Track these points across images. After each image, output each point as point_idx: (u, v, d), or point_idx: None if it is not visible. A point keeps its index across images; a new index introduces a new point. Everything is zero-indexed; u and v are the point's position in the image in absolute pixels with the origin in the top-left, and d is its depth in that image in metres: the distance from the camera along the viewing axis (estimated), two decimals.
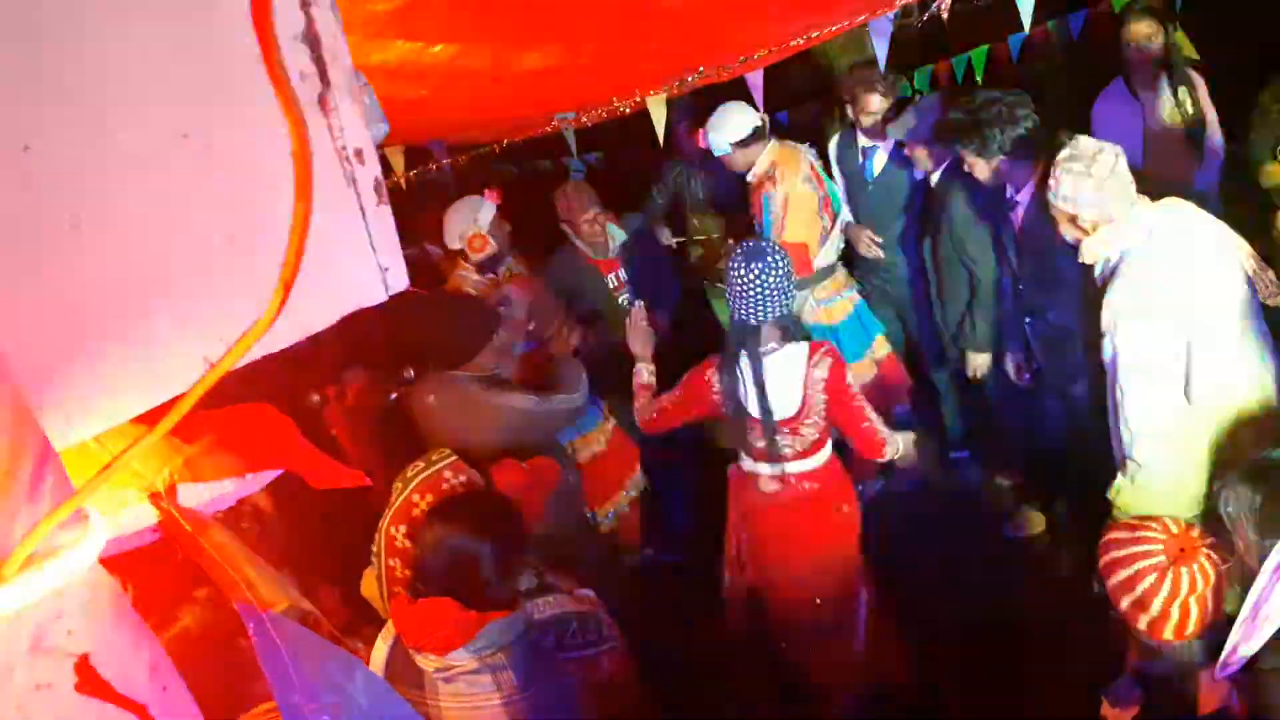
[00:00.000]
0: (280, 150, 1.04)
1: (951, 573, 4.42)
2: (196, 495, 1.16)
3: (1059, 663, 3.61)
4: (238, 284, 1.04)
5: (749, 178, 4.39)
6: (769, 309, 3.08)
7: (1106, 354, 2.98)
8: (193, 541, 1.08)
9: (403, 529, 2.49)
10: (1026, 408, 4.33)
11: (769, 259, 3.04)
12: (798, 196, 4.29)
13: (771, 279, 3.04)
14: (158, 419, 1.05)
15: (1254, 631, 1.96)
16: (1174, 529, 2.11)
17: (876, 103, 4.17)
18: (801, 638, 3.64)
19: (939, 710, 3.84)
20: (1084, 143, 2.93)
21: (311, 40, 1.06)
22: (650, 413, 3.43)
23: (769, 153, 4.32)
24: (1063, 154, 2.94)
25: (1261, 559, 2.00)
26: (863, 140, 4.42)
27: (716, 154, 4.32)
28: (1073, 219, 2.95)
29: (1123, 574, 2.12)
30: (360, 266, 1.13)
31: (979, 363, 4.21)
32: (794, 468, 3.34)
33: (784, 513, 3.41)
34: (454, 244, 4.03)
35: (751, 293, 3.05)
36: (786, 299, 3.10)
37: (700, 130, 4.27)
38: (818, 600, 3.52)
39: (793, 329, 3.21)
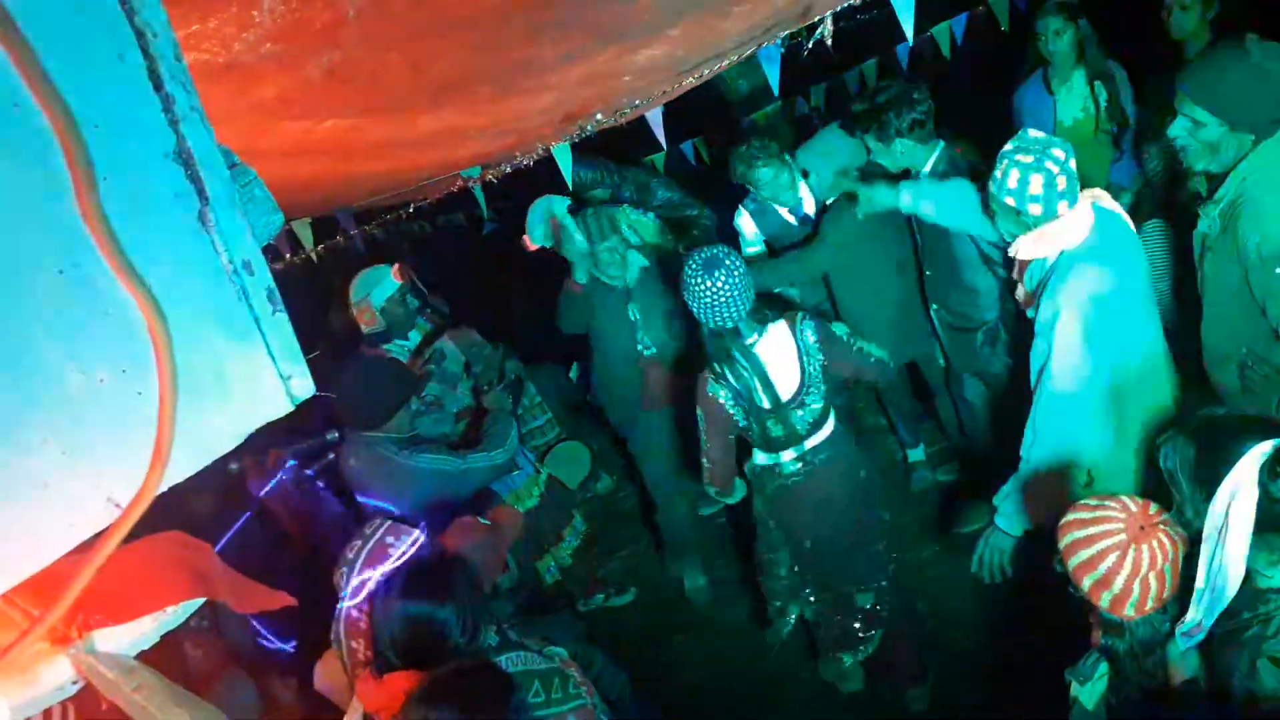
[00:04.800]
0: (165, 276, 1.01)
1: (910, 573, 4.49)
2: (116, 639, 1.11)
3: (1022, 649, 3.66)
4: (133, 417, 1.00)
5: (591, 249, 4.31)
6: (741, 308, 3.10)
7: (1039, 352, 2.98)
8: (116, 690, 1.03)
9: (364, 608, 2.44)
10: (950, 400, 4.42)
11: (726, 263, 3.05)
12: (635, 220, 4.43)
13: (736, 277, 3.05)
14: (68, 566, 1.01)
15: (1215, 601, 2.01)
16: (1133, 507, 2.14)
17: (774, 169, 4.11)
18: (841, 609, 3.68)
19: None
20: (1033, 134, 2.90)
21: (184, 157, 1.03)
22: (710, 478, 3.47)
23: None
24: (1010, 145, 2.90)
25: (1194, 511, 2.06)
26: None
27: (547, 245, 4.36)
28: (1017, 213, 2.92)
29: (1085, 554, 2.15)
30: (261, 379, 1.10)
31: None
32: (810, 443, 3.36)
33: (811, 490, 3.42)
34: (354, 312, 4.02)
35: (721, 300, 3.06)
36: (752, 290, 3.12)
37: (525, 238, 4.36)
38: (856, 572, 3.58)
39: (762, 311, 3.23)
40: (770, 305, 3.32)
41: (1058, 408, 2.95)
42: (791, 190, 4.20)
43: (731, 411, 3.24)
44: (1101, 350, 2.91)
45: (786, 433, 3.29)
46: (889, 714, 3.92)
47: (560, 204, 4.28)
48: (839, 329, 3.34)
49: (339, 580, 2.49)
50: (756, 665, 4.33)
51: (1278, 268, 2.59)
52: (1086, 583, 2.17)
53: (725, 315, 3.09)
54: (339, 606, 2.47)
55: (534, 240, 4.38)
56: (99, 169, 0.94)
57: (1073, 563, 2.18)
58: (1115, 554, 2.11)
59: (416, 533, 2.57)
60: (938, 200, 3.48)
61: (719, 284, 3.03)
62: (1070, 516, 2.21)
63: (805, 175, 4.18)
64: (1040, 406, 2.99)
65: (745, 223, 4.44)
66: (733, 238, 4.62)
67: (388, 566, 2.47)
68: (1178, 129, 2.69)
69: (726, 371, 3.19)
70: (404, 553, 2.50)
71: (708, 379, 3.25)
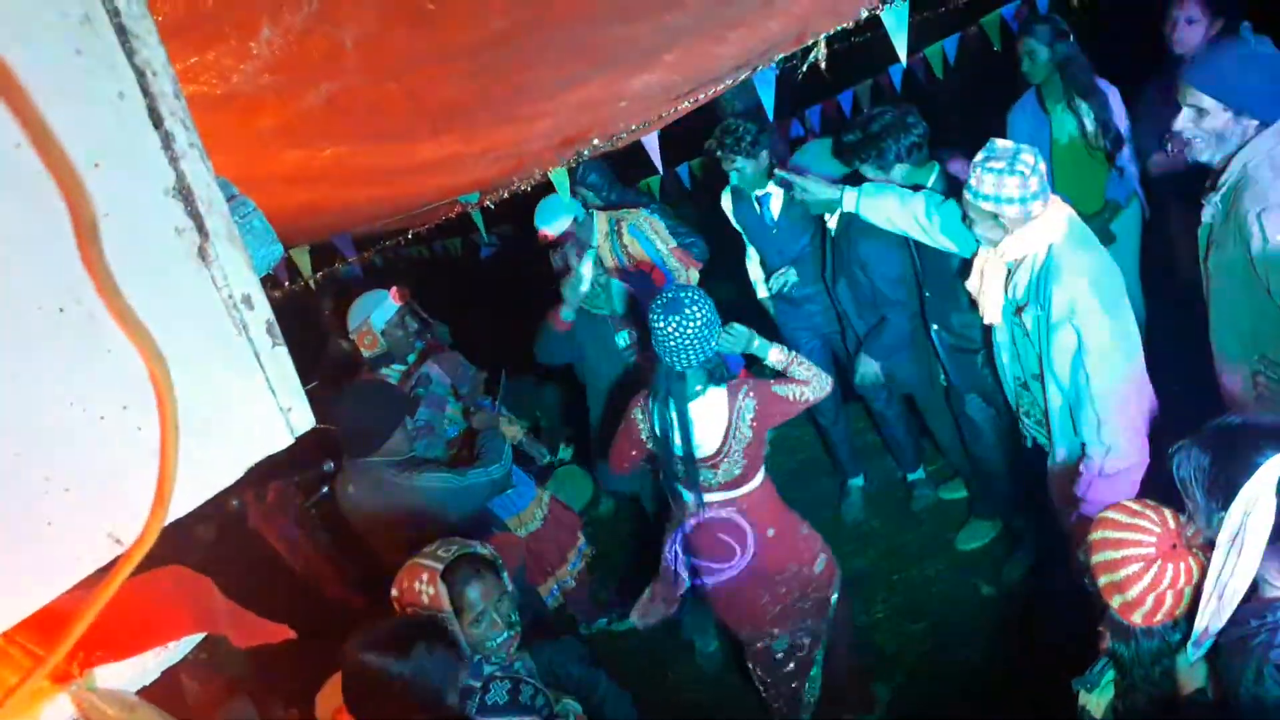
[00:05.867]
0: (166, 311, 1.01)
1: (913, 591, 4.48)
2: (118, 675, 1.11)
3: (1026, 665, 3.64)
4: (134, 453, 1.00)
5: (596, 241, 4.51)
6: (691, 356, 3.15)
7: (1063, 346, 3.00)
8: None
9: None
10: (955, 419, 4.41)
11: (686, 310, 3.09)
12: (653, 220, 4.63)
13: (691, 328, 3.09)
14: (69, 603, 1.01)
15: (1221, 608, 2.00)
16: (1171, 524, 2.12)
17: (740, 163, 4.24)
18: (768, 663, 3.69)
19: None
20: (1001, 144, 2.99)
21: (184, 193, 1.04)
22: (611, 464, 3.56)
23: (601, 217, 4.60)
24: (981, 155, 2.99)
25: (1208, 521, 2.05)
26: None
27: (558, 233, 4.44)
28: (995, 217, 2.99)
29: (1110, 555, 2.14)
30: (261, 413, 1.10)
31: (864, 369, 4.29)
32: (715, 497, 3.40)
33: (707, 533, 3.47)
34: (353, 336, 4.03)
35: (672, 343, 3.13)
36: (708, 345, 3.16)
37: (543, 231, 4.42)
38: (767, 619, 3.57)
39: (718, 371, 3.26)
40: (721, 368, 3.31)
41: (1119, 386, 2.97)
42: (758, 185, 4.35)
43: (644, 439, 3.36)
44: (1120, 328, 2.97)
45: (692, 481, 3.35)
46: None
47: (576, 207, 4.37)
48: (782, 389, 3.30)
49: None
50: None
51: (1275, 235, 2.61)
52: (1103, 581, 2.16)
53: (674, 358, 3.16)
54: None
55: (555, 230, 4.41)
56: (99, 207, 0.95)
57: (1096, 559, 2.17)
58: (1139, 564, 2.11)
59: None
60: (879, 200, 3.57)
61: (670, 328, 3.10)
62: (1109, 514, 2.20)
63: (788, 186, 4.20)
64: (1097, 393, 2.98)
65: (725, 203, 4.63)
66: (724, 269, 4.68)
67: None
68: (1184, 121, 2.75)
69: (655, 408, 3.26)
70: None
71: (639, 404, 3.35)
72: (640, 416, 3.34)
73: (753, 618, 3.60)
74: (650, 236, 4.59)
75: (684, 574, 3.64)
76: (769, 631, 3.61)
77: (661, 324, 3.12)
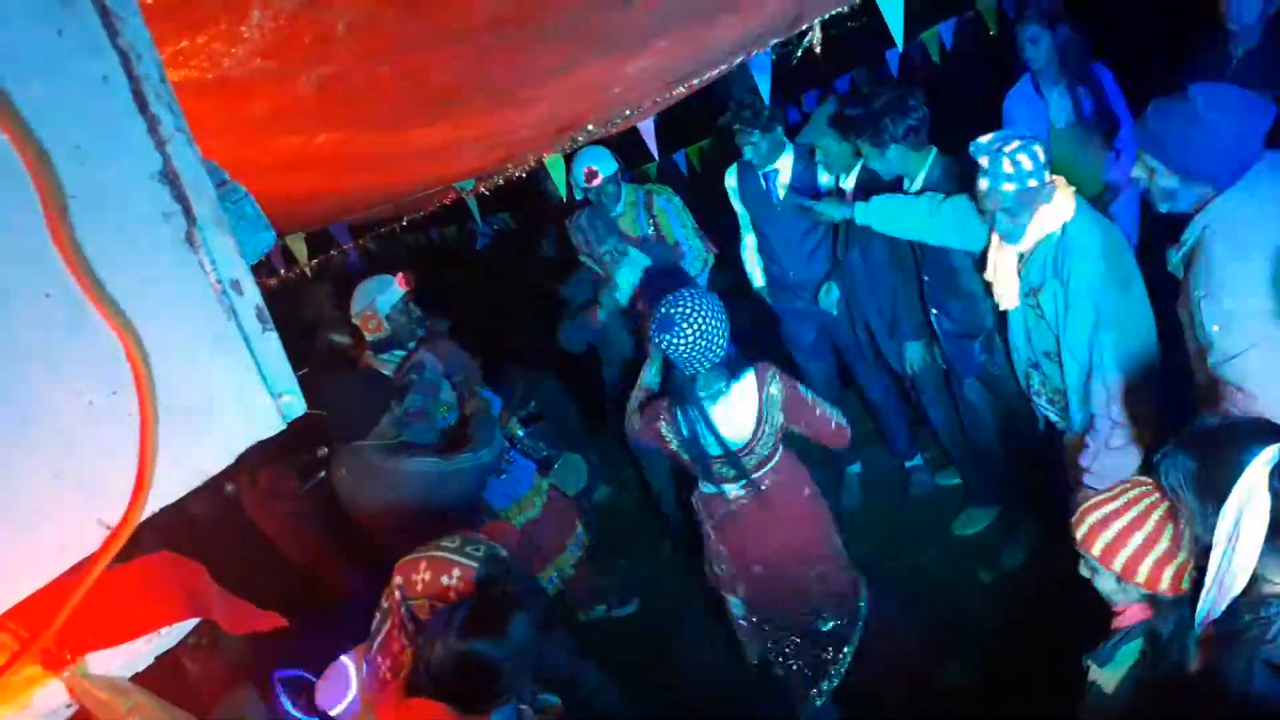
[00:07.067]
0: (154, 296, 1.00)
1: (911, 578, 4.48)
2: (110, 661, 1.11)
3: (1026, 648, 3.64)
4: (123, 439, 0.99)
5: (619, 208, 4.55)
6: (700, 361, 3.09)
7: (1081, 321, 3.01)
8: (109, 712, 1.03)
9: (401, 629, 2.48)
10: (953, 405, 4.40)
11: (678, 325, 3.03)
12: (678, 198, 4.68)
13: (687, 340, 3.04)
14: (60, 588, 1.00)
15: (1220, 596, 2.01)
16: (1147, 481, 2.16)
17: (756, 137, 4.25)
18: (806, 641, 3.64)
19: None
20: (1001, 133, 3.03)
21: (171, 178, 1.03)
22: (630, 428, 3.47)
23: (627, 188, 4.60)
24: (994, 146, 3.01)
25: (1204, 524, 2.05)
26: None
27: (608, 174, 4.44)
28: (1018, 201, 3.01)
29: (1096, 516, 2.18)
30: (252, 398, 1.09)
31: (913, 355, 4.28)
32: (755, 475, 3.35)
33: (754, 514, 3.41)
34: (356, 320, 4.02)
35: (674, 355, 3.08)
36: (715, 348, 3.09)
37: (590, 169, 4.40)
38: (813, 597, 3.54)
39: (735, 362, 3.20)
40: (746, 353, 3.29)
41: (1131, 363, 2.99)
42: (768, 162, 4.34)
43: (675, 449, 3.29)
44: (1137, 300, 3.01)
45: (733, 474, 3.31)
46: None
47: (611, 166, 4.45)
48: (806, 391, 3.33)
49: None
50: (760, 675, 4.31)
51: (1212, 325, 2.59)
52: (1098, 547, 2.17)
53: (685, 366, 3.12)
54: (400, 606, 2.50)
55: (606, 170, 4.41)
56: (85, 192, 0.94)
57: (1081, 530, 2.19)
58: (1133, 511, 2.14)
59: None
60: (886, 210, 3.65)
61: (664, 343, 3.06)
62: (1090, 502, 2.23)
63: (812, 153, 4.24)
64: (1109, 369, 3.01)
65: (730, 180, 4.62)
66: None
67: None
68: (1139, 172, 2.72)
69: (678, 413, 3.20)
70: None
71: (659, 414, 3.26)
72: (666, 430, 3.26)
73: (802, 591, 3.54)
74: (678, 213, 4.66)
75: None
76: (815, 608, 3.56)
77: (656, 339, 3.08)
